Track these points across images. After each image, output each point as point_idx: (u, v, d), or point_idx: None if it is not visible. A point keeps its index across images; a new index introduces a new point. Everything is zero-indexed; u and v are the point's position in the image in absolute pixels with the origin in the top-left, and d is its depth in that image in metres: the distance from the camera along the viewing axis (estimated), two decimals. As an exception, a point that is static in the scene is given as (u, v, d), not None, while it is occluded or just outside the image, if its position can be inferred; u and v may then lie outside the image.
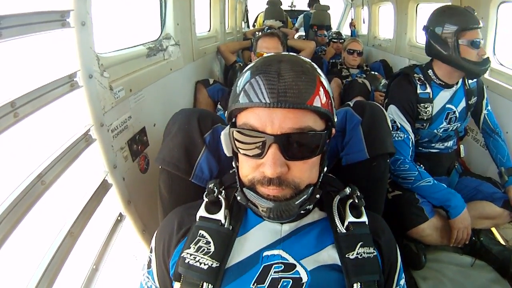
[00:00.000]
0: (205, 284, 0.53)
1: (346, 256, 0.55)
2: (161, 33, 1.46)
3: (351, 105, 0.81)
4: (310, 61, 0.56)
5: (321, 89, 0.51)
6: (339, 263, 0.55)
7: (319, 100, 0.49)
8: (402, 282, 0.63)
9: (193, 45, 1.79)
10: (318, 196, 0.55)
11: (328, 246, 0.57)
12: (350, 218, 0.58)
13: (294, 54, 0.58)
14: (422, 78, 1.29)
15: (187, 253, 0.55)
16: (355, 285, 0.53)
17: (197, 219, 0.59)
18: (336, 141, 0.81)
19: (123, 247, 0.97)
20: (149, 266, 0.62)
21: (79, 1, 0.75)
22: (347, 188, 0.61)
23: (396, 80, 1.35)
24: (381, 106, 0.83)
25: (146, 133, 1.19)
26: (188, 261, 0.54)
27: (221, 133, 0.56)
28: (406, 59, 2.53)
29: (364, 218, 0.59)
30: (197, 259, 0.54)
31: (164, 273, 0.59)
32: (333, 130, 0.58)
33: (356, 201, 0.60)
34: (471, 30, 1.16)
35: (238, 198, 0.55)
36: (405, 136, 1.24)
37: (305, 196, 0.52)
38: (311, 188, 0.53)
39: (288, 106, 0.47)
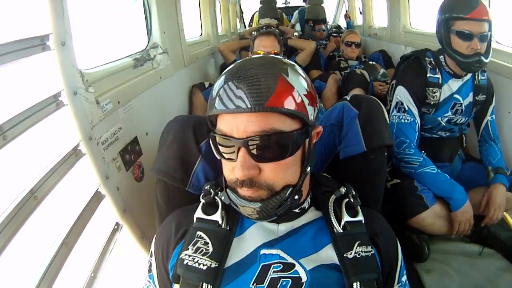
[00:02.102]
0: (204, 284, 0.53)
1: (344, 255, 0.55)
2: (148, 42, 1.49)
3: (348, 99, 0.81)
4: (285, 61, 0.56)
5: (285, 89, 0.50)
6: (338, 263, 0.56)
7: (282, 101, 0.49)
8: (404, 278, 0.63)
9: (183, 51, 1.82)
10: (296, 197, 0.55)
11: (326, 246, 0.58)
12: (347, 218, 0.59)
13: (270, 55, 0.59)
14: (434, 63, 1.27)
15: (186, 255, 0.56)
16: (354, 284, 0.53)
17: (194, 221, 0.60)
18: (333, 135, 0.81)
19: (121, 255, 1.01)
20: (149, 270, 0.63)
21: (58, 23, 0.79)
22: (342, 188, 0.62)
23: (407, 62, 1.34)
24: (378, 100, 0.83)
25: (139, 143, 1.22)
26: (187, 262, 0.55)
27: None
28: (402, 46, 2.48)
29: (360, 217, 0.60)
30: (195, 260, 0.55)
31: (164, 276, 0.60)
32: (319, 128, 0.58)
33: (352, 200, 0.61)
34: (460, 20, 1.12)
35: (222, 198, 0.57)
36: (412, 119, 1.23)
37: (283, 198, 0.53)
38: (290, 189, 0.53)
39: (245, 111, 0.48)
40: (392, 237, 0.64)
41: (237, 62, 0.56)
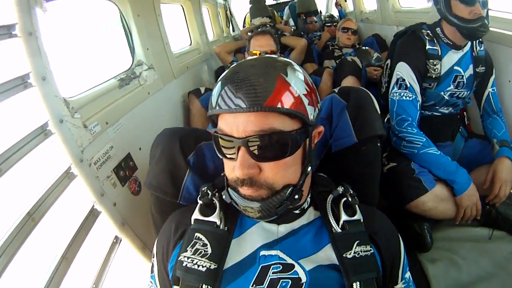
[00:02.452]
0: (204, 286, 0.54)
1: (344, 255, 0.56)
2: (132, 61, 1.56)
3: (336, 91, 0.81)
4: (284, 60, 0.57)
5: (284, 89, 0.51)
6: (337, 263, 0.56)
7: (280, 100, 0.50)
8: (408, 275, 0.63)
9: (171, 64, 1.87)
10: (297, 196, 0.55)
11: (325, 246, 0.58)
12: (345, 217, 0.59)
13: (268, 55, 0.60)
14: (431, 34, 1.25)
15: (184, 256, 0.57)
16: (354, 284, 0.54)
17: (192, 222, 0.61)
18: (324, 130, 0.82)
19: (123, 267, 1.07)
20: (152, 271, 0.65)
21: (35, 61, 0.86)
22: (340, 187, 0.63)
23: (404, 37, 1.32)
24: (367, 90, 0.82)
25: (132, 158, 1.29)
26: (186, 264, 0.56)
27: (205, 150, 0.61)
28: (394, 26, 2.40)
29: (359, 216, 0.60)
30: (194, 262, 0.56)
31: (164, 276, 0.62)
32: (321, 128, 0.59)
33: (350, 199, 0.61)
34: None
35: (223, 197, 0.58)
36: (414, 97, 1.21)
37: (283, 197, 0.53)
38: (290, 189, 0.54)
39: (244, 111, 0.49)
40: (393, 233, 0.63)
41: (232, 66, 0.57)
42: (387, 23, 2.52)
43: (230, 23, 4.07)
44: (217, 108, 0.52)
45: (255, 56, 0.61)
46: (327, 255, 0.57)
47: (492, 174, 1.13)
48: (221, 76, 0.55)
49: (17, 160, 0.80)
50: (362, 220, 0.59)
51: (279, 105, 0.50)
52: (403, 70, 1.23)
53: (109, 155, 1.16)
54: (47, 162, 0.92)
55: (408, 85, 1.21)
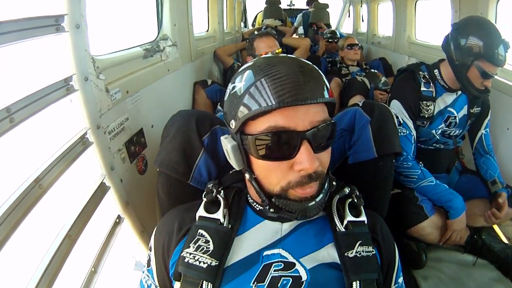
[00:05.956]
0: (204, 283, 0.53)
1: (345, 254, 0.55)
2: (158, 34, 1.46)
3: (360, 105, 0.82)
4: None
5: (326, 82, 0.53)
6: (338, 262, 0.56)
7: (328, 92, 0.52)
8: (401, 280, 0.64)
9: (191, 45, 1.79)
10: (334, 183, 0.56)
11: (327, 244, 0.58)
12: (349, 217, 0.59)
13: (290, 55, 0.58)
14: (427, 76, 1.28)
15: (187, 253, 0.55)
16: (354, 283, 0.53)
17: (197, 219, 0.59)
18: (343, 140, 0.82)
19: (122, 249, 0.98)
20: (148, 265, 0.62)
21: (73, 4, 0.75)
22: (346, 188, 0.62)
23: (401, 76, 1.35)
24: (388, 107, 0.84)
25: (144, 135, 1.19)
26: (188, 260, 0.55)
27: (228, 146, 0.54)
28: (406, 56, 2.52)
29: (363, 218, 0.60)
30: (196, 258, 0.54)
31: (163, 272, 0.60)
32: None
33: (355, 200, 0.61)
34: (491, 64, 1.11)
35: (271, 210, 0.54)
36: (407, 132, 1.24)
37: (326, 187, 0.54)
38: (328, 177, 0.55)
39: (310, 102, 0.48)
40: (391, 238, 0.65)
41: (265, 58, 0.53)
42: (399, 51, 2.63)
43: (244, 18, 4.03)
44: (274, 103, 0.47)
45: (278, 55, 0.58)
46: (329, 253, 0.57)
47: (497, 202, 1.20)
48: (247, 69, 0.52)
49: (33, 112, 0.68)
50: (366, 222, 0.60)
51: (328, 96, 0.52)
52: (396, 108, 1.28)
53: (123, 126, 1.05)
54: (62, 123, 0.80)
55: (402, 122, 1.25)
